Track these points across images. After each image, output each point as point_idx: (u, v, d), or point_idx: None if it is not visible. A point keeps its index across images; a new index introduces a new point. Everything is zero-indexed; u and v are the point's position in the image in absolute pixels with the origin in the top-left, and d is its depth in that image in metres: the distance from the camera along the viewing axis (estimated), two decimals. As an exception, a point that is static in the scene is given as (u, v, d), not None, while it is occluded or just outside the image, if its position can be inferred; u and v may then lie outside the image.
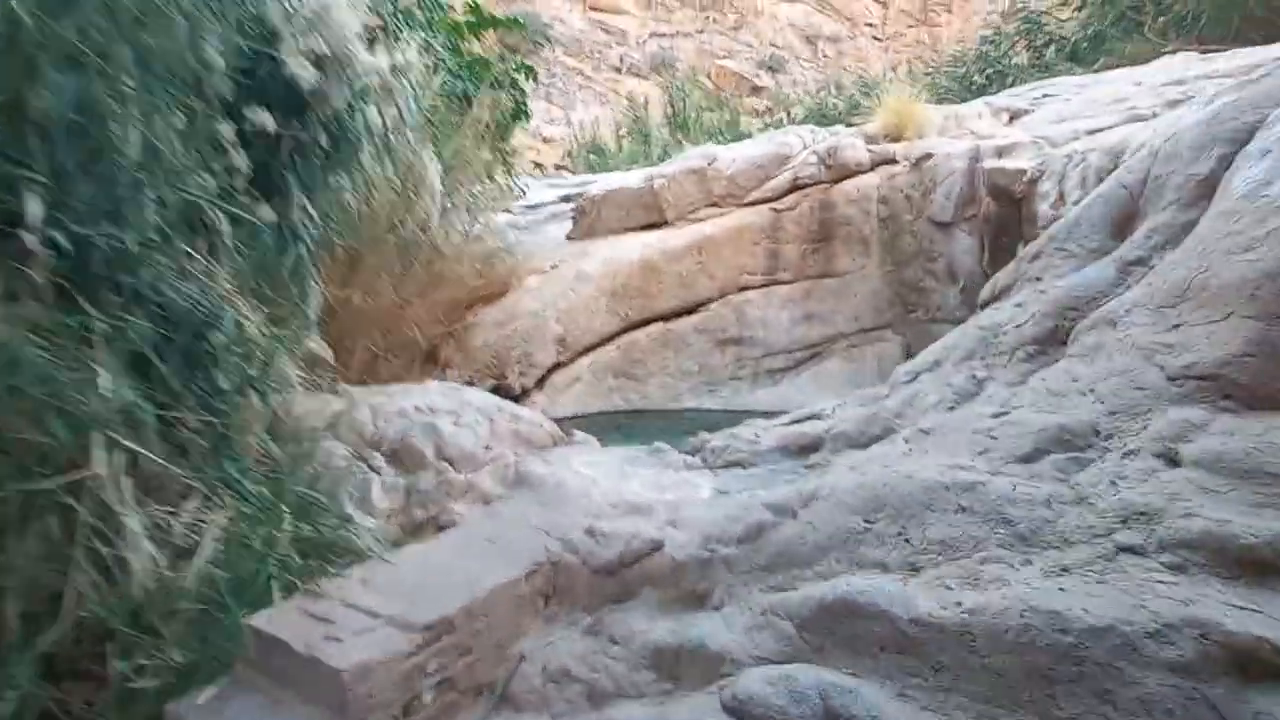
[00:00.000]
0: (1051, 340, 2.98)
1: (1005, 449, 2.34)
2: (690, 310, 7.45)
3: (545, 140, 10.17)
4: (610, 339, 7.38)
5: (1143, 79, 6.83)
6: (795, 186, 7.22)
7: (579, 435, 4.26)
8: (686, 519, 2.56)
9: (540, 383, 7.09)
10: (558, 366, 7.15)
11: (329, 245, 4.61)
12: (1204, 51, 7.38)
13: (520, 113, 7.49)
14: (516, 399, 6.96)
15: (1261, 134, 2.61)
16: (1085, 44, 9.78)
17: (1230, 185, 2.74)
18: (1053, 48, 10.29)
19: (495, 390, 6.97)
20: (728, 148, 7.93)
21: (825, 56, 22.67)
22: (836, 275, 7.19)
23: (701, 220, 7.54)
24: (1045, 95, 7.66)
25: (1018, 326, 3.12)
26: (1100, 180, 5.06)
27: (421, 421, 3.49)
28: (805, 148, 7.46)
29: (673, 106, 13.77)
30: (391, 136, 4.00)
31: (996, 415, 2.54)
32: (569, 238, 8.69)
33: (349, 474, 2.95)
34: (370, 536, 2.41)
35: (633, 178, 8.56)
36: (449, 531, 2.80)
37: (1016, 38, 11.18)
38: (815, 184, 7.14)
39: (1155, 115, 5.59)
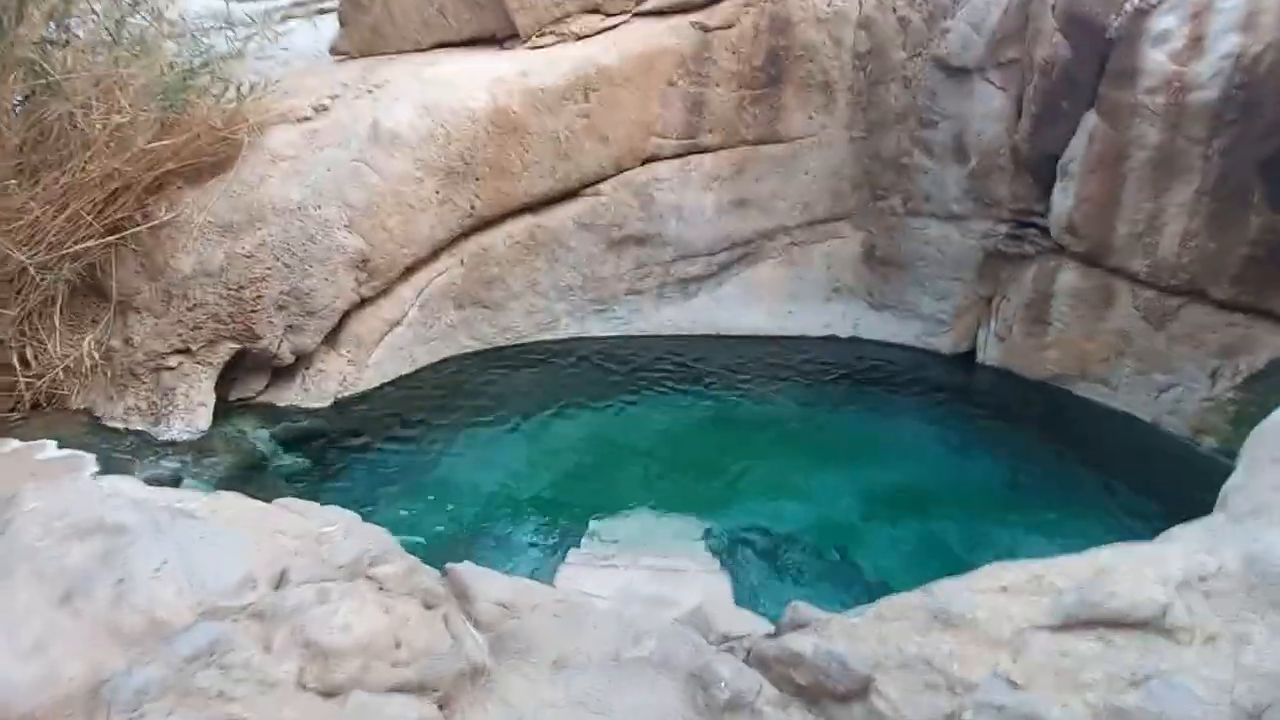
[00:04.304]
0: None
1: None
2: (571, 194, 4.38)
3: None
4: (446, 247, 4.12)
5: None
6: (734, -13, 4.13)
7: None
8: None
9: (331, 338, 3.75)
10: (362, 304, 3.81)
11: None
12: None
13: None
14: (284, 372, 3.59)
15: None
16: None
17: None
18: None
19: (238, 361, 3.52)
20: (612, -95, 4.39)
21: None
22: (784, 140, 4.55)
23: (582, 37, 4.19)
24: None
25: None
26: (1294, 20, 2.91)
27: None
28: (741, -81, 4.26)
29: None
30: None
31: None
32: (335, 53, 4.73)
33: None
34: None
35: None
36: None
37: None
38: (765, -14, 4.13)
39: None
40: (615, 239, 4.63)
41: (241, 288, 3.46)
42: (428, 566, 1.78)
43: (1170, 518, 2.93)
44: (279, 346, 3.50)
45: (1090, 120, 3.57)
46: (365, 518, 2.87)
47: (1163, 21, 3.24)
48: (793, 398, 4.33)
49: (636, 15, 4.35)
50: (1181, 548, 1.47)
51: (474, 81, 3.89)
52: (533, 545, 2.79)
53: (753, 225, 4.79)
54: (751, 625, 1.73)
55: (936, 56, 4.07)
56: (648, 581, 2.19)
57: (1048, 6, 3.59)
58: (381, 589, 1.62)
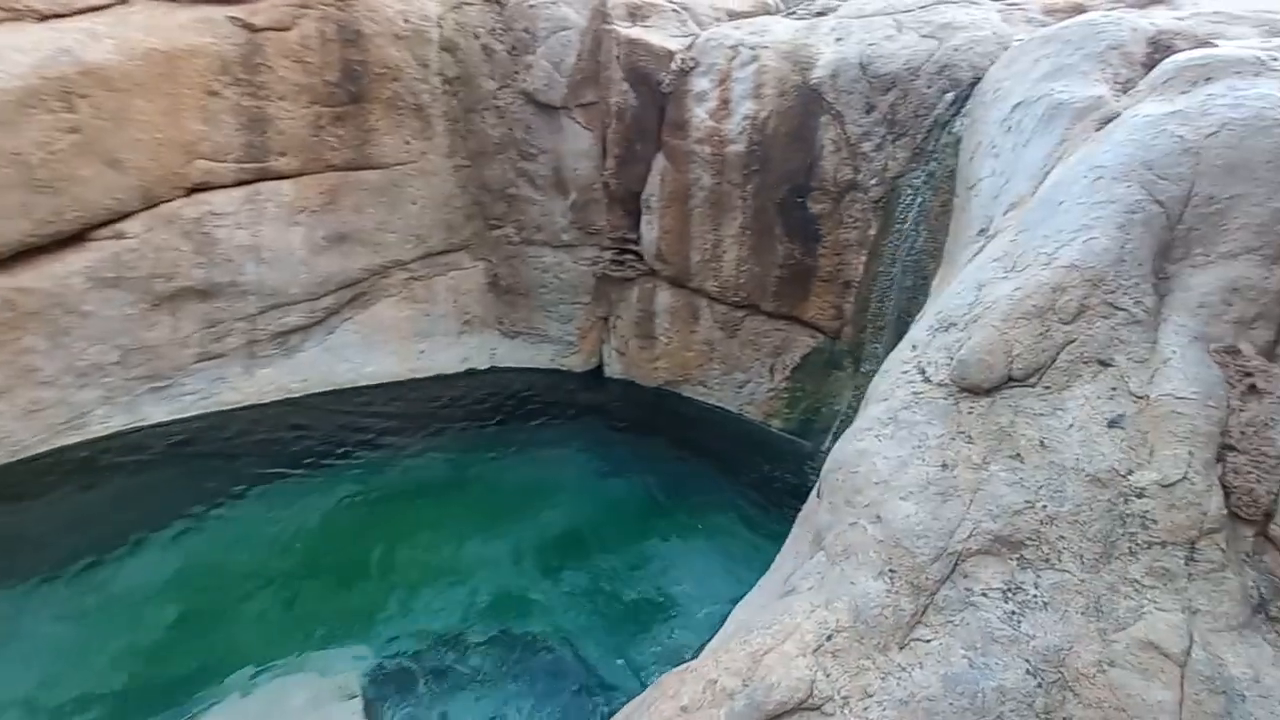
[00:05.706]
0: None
1: None
2: (72, 239, 3.08)
3: None
4: None
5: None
6: (283, -16, 3.42)
7: None
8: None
9: None
10: None
11: None
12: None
13: None
14: None
15: None
16: None
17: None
18: None
19: None
20: None
21: None
22: (380, 167, 4.02)
23: (50, 17, 2.93)
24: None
25: (1169, 489, 1.60)
26: (784, 95, 3.64)
27: None
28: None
29: None
30: None
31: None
32: None
33: None
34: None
35: None
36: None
37: None
38: (325, -12, 3.52)
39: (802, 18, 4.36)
40: (163, 294, 3.44)
41: None
42: None
43: (765, 494, 3.53)
44: None
45: (660, 162, 3.96)
46: None
47: (700, 83, 3.74)
48: (437, 449, 3.90)
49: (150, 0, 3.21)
50: (804, 604, 1.57)
51: None
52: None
53: (359, 262, 4.12)
54: None
55: (524, 91, 4.02)
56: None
57: (614, 57, 3.82)
58: None
